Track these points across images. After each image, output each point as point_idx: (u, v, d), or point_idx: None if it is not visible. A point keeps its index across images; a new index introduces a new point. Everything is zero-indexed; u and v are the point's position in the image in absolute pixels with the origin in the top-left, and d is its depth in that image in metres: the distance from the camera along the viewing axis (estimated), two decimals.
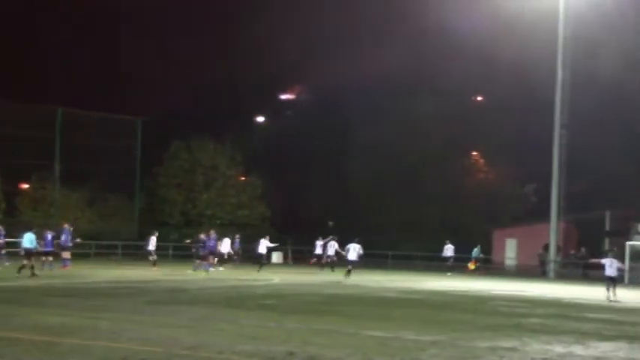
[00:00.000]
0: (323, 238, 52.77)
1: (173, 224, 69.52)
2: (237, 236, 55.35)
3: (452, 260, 57.63)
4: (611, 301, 32.31)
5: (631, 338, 18.36)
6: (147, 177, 71.73)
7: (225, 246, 51.32)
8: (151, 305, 22.91)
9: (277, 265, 60.97)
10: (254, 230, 64.48)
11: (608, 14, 60.73)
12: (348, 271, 42.30)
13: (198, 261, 45.49)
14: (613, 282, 34.30)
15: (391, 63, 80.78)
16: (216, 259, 47.82)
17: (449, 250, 58.21)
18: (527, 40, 68.96)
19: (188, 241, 54.05)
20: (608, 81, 74.76)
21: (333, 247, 50.68)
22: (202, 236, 46.48)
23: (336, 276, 43.25)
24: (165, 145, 72.63)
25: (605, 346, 16.80)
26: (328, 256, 50.87)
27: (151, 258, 47.41)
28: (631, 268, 55.30)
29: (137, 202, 70.81)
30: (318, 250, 53.15)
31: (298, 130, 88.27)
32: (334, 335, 16.95)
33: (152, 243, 48.23)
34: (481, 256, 60.45)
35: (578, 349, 16.03)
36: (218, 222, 68.10)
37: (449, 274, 53.89)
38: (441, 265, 58.44)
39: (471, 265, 58.28)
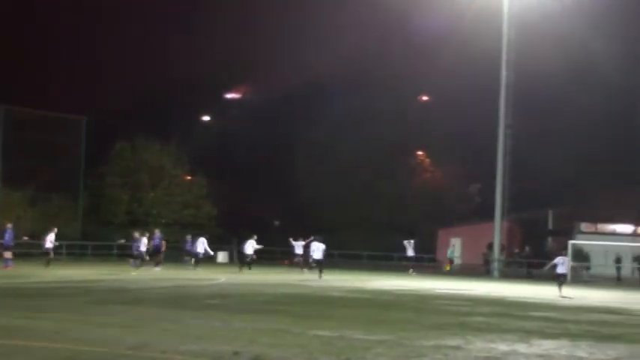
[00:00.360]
0: (304, 239, 52.93)
1: (117, 224, 68.93)
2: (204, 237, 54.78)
3: (413, 259, 57.96)
4: (563, 297, 33.90)
5: (573, 336, 18.53)
6: (91, 177, 71.02)
7: (200, 246, 51.17)
8: (94, 305, 22.69)
9: (223, 264, 60.76)
10: (200, 230, 64.17)
11: (552, 15, 61.30)
12: (320, 271, 43.27)
13: (132, 260, 45.35)
14: (564, 279, 37.44)
15: (337, 63, 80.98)
16: (193, 260, 49.31)
17: (409, 248, 58.67)
18: (473, 40, 69.40)
19: (122, 240, 53.80)
20: (551, 82, 75.72)
21: (319, 248, 50.10)
22: (137, 235, 46.09)
23: (309, 276, 43.57)
24: (110, 145, 72.05)
25: (548, 344, 16.94)
26: (312, 257, 50.77)
27: (47, 257, 45.95)
28: (573, 267, 55.98)
29: (81, 202, 70.04)
30: (299, 251, 53.33)
31: (244, 130, 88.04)
32: (280, 334, 16.91)
33: (50, 240, 46.85)
34: (455, 256, 60.47)
35: (521, 347, 16.15)
36: (163, 221, 67.65)
37: (411, 271, 54.24)
38: (388, 265, 58.81)
39: (447, 266, 58.25)
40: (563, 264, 37.67)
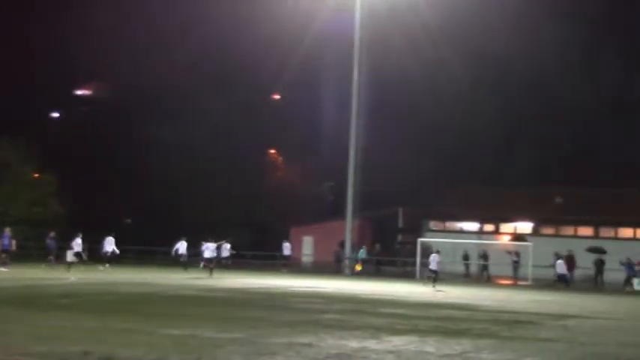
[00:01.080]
0: (216, 241, 52.74)
1: None
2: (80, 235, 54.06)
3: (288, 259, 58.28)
4: (438, 291, 37.42)
5: (422, 332, 18.90)
6: None
7: (108, 246, 52.39)
8: None
9: (72, 263, 59.38)
10: (48, 228, 62.71)
11: (403, 16, 62.33)
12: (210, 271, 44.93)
13: None
14: (436, 275, 42.94)
15: (190, 61, 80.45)
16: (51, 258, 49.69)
17: (287, 248, 59.05)
18: (324, 40, 70.00)
19: None
20: (403, 83, 77.14)
21: (226, 249, 53.73)
22: None
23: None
24: None
25: (397, 340, 17.22)
26: (223, 259, 52.93)
27: None
28: (422, 264, 57.19)
29: None
30: (208, 254, 53.18)
31: (95, 127, 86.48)
32: (131, 334, 16.69)
33: None
34: (365, 257, 60.25)
35: (372, 344, 16.37)
36: (9, 219, 65.74)
37: (284, 271, 54.69)
38: (247, 263, 59.22)
39: (358, 266, 58.09)
40: (433, 260, 43.67)
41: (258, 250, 62.56)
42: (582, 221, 67.38)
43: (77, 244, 51.09)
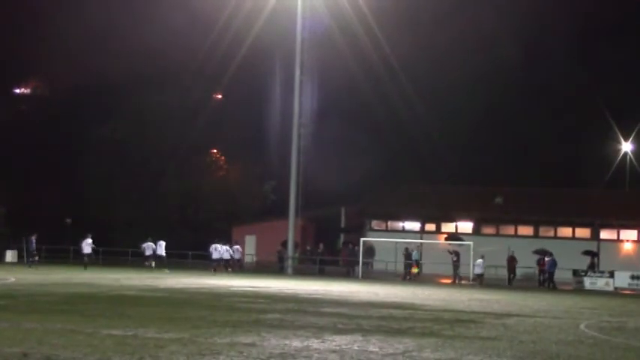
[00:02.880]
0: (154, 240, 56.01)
1: None
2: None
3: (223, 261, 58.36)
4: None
5: (365, 331, 18.98)
6: None
7: (87, 247, 54.09)
8: None
9: (13, 264, 58.71)
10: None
11: (346, 14, 62.44)
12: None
13: None
14: (481, 278, 51.10)
15: (130, 58, 79.74)
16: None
17: (237, 251, 59.03)
18: (265, 38, 69.86)
19: None
20: (345, 82, 77.34)
21: (238, 251, 57.56)
22: None
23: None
24: None
25: (340, 339, 17.28)
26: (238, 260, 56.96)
27: None
28: (363, 263, 57.43)
29: None
30: (148, 253, 55.92)
31: (33, 126, 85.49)
32: (71, 335, 16.52)
33: None
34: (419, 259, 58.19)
35: (315, 343, 16.40)
36: None
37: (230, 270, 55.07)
38: (187, 263, 59.15)
39: (414, 269, 56.67)
40: (480, 265, 51.23)
41: (200, 250, 62.16)
42: (522, 221, 68.03)
43: (87, 244, 53.83)
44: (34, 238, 54.01)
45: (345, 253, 61.79)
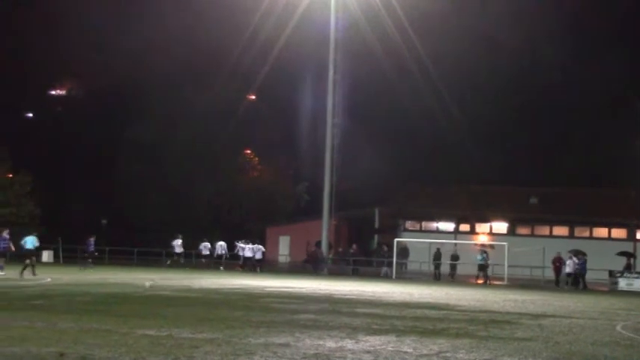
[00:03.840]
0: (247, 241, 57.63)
1: None
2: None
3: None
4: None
5: (399, 332, 18.93)
6: None
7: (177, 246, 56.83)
8: None
9: (48, 264, 59.18)
10: (21, 229, 62.37)
11: (379, 16, 62.40)
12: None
13: None
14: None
15: (165, 59, 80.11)
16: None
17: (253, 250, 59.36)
18: (298, 38, 69.92)
19: None
20: (379, 82, 77.18)
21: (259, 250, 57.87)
22: None
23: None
24: None
25: (374, 340, 17.24)
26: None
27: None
28: (397, 264, 57.28)
29: None
30: (248, 253, 57.31)
31: (70, 127, 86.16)
32: (106, 335, 16.60)
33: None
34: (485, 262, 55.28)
35: (349, 344, 16.37)
36: None
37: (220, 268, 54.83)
38: (217, 263, 59.28)
39: (481, 279, 54.58)
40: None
41: (232, 251, 62.28)
42: (557, 221, 67.64)
43: (178, 245, 56.23)
44: (92, 240, 54.43)
45: (381, 254, 61.69)
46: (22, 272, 39.37)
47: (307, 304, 27.27)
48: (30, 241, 43.68)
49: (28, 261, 41.46)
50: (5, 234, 44.94)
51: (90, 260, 53.63)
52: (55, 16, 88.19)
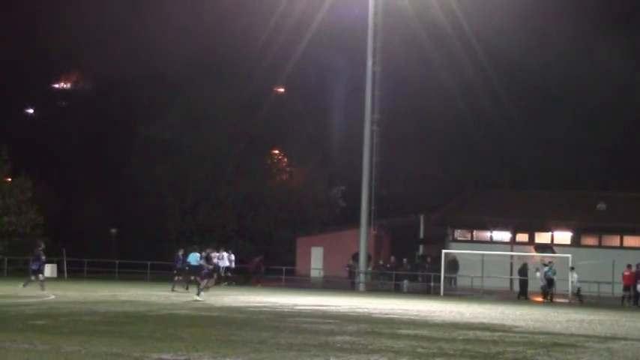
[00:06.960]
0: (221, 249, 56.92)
1: None
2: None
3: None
4: None
5: (448, 356, 18.86)
6: None
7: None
8: None
9: (52, 279, 59.47)
10: (22, 239, 62.80)
11: (421, 7, 62.23)
12: None
13: None
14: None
15: (182, 47, 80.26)
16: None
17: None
18: (331, 23, 69.82)
19: None
20: (423, 75, 76.99)
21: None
22: None
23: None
24: None
25: None
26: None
27: None
28: (446, 279, 57.01)
29: None
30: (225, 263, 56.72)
31: (75, 124, 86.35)
32: (117, 359, 16.66)
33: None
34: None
35: None
36: None
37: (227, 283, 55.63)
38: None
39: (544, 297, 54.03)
40: None
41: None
42: (629, 230, 67.17)
43: (224, 257, 55.79)
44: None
45: (426, 267, 61.38)
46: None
47: (343, 324, 27.23)
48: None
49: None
50: (40, 249, 44.24)
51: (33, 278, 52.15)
52: (59, 1, 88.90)
